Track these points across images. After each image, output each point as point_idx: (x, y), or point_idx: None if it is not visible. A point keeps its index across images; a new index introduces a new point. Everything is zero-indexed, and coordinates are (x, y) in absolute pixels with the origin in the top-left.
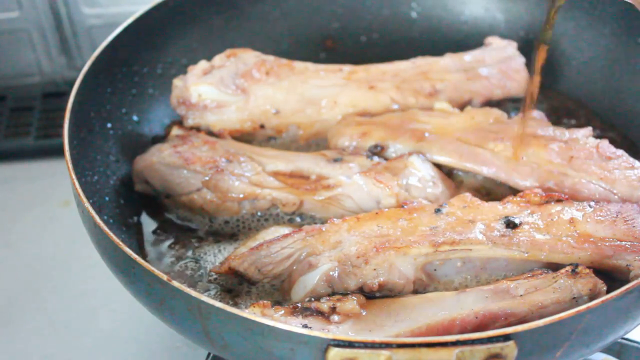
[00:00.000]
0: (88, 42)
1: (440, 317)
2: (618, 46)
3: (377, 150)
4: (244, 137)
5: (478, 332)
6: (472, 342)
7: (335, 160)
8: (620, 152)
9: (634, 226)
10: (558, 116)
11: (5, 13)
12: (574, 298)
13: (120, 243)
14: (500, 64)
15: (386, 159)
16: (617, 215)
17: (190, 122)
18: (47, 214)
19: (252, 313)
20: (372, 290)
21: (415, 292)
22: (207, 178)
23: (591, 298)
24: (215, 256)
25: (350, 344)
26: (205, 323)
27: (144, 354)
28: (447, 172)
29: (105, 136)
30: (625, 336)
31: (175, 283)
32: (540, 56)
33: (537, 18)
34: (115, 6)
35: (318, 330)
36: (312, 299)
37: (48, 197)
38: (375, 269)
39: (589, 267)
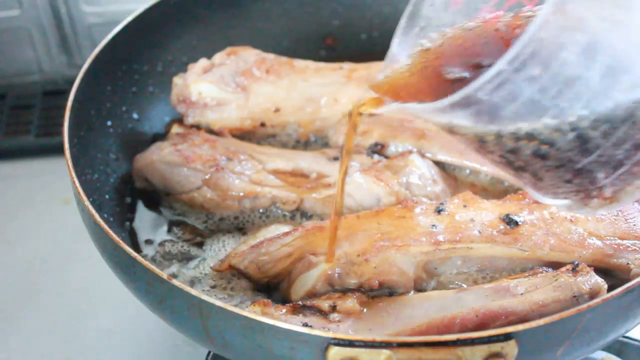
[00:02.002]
0: (88, 40)
1: (440, 316)
2: None
3: (378, 149)
4: (244, 135)
5: (478, 331)
6: (473, 341)
7: (336, 159)
8: None
9: (634, 225)
10: None
11: (6, 11)
12: (575, 296)
13: (120, 241)
14: None
15: (386, 157)
16: (617, 214)
17: (190, 120)
18: (47, 212)
19: (252, 312)
20: (373, 288)
21: (416, 290)
22: (207, 176)
23: (592, 297)
24: (217, 253)
25: (350, 343)
26: (205, 322)
27: (144, 352)
28: (447, 170)
29: (105, 134)
30: (626, 334)
31: (176, 282)
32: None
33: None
34: (115, 4)
35: (318, 328)
36: (312, 297)
37: (48, 196)
38: (375, 267)
39: (589, 266)
